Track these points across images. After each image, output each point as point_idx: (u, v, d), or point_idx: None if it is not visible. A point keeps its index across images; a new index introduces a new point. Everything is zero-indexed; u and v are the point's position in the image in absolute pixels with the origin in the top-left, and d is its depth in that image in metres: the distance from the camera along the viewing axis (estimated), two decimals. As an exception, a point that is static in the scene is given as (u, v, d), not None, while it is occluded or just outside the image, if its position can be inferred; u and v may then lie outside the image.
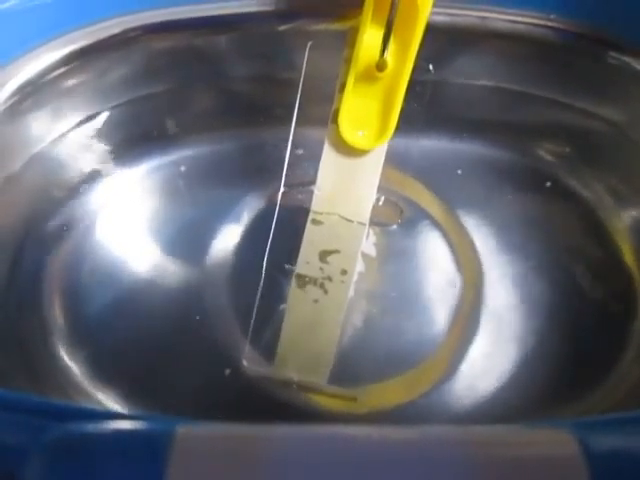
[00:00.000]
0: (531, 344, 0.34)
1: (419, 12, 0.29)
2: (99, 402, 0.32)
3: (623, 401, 0.31)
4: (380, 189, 0.34)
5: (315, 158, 0.34)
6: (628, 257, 0.36)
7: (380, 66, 0.30)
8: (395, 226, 0.37)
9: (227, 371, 0.33)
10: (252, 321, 0.33)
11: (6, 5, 0.30)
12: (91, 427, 0.15)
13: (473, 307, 0.35)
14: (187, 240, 0.37)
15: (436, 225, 0.37)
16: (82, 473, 0.14)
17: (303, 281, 0.33)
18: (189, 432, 0.15)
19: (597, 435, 0.15)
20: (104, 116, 0.36)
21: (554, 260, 0.36)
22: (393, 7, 0.28)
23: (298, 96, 0.33)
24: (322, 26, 0.34)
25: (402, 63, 0.30)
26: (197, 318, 0.34)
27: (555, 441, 0.15)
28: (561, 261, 0.36)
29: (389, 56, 0.30)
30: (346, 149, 0.33)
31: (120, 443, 0.15)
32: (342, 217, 0.34)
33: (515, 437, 0.15)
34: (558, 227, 0.38)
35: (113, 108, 0.36)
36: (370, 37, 0.30)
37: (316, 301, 0.33)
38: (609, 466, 0.14)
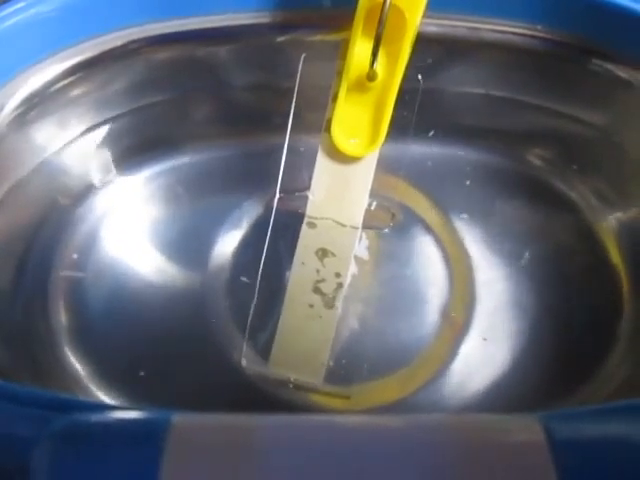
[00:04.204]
0: (520, 344, 0.34)
1: (407, 25, 0.30)
2: (103, 401, 0.33)
3: (609, 399, 0.32)
4: (372, 194, 0.34)
5: (310, 165, 0.34)
6: (615, 258, 0.36)
7: (370, 76, 0.31)
8: (387, 230, 0.37)
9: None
10: (249, 322, 0.34)
11: (12, 20, 0.31)
12: (94, 417, 0.16)
13: (464, 308, 0.35)
14: (187, 245, 0.37)
15: (427, 228, 0.38)
16: (84, 458, 0.15)
17: (298, 283, 0.34)
18: (186, 420, 0.16)
19: (562, 424, 0.16)
20: (107, 125, 0.37)
21: (543, 262, 0.37)
22: (382, 20, 0.29)
23: (292, 105, 0.34)
24: (318, 37, 0.35)
25: (392, 73, 0.31)
26: (197, 320, 0.35)
27: (522, 429, 0.16)
28: (550, 262, 0.37)
29: (379, 67, 0.31)
30: (339, 156, 0.33)
31: (120, 430, 0.16)
32: (336, 221, 0.35)
33: (485, 424, 0.16)
34: (547, 229, 0.38)
35: (116, 117, 0.37)
36: (361, 48, 0.31)
37: (310, 302, 0.34)
38: (571, 451, 0.15)
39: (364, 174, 0.34)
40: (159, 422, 0.16)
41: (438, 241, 0.37)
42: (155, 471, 0.15)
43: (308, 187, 0.35)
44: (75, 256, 0.36)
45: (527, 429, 0.16)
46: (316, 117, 0.34)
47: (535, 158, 0.40)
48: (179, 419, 0.16)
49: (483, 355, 0.34)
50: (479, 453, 0.15)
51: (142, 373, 0.33)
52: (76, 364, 0.33)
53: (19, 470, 0.17)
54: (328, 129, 0.33)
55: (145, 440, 0.16)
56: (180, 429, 0.16)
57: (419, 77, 0.34)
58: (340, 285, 0.34)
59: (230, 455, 0.16)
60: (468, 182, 0.39)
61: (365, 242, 0.36)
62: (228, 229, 0.38)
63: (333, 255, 0.34)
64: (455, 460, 0.15)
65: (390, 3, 0.28)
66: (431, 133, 0.39)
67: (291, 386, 0.33)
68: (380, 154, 0.34)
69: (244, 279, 0.35)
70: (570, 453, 0.16)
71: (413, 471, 0.16)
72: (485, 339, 0.34)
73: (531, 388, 0.33)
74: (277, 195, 0.35)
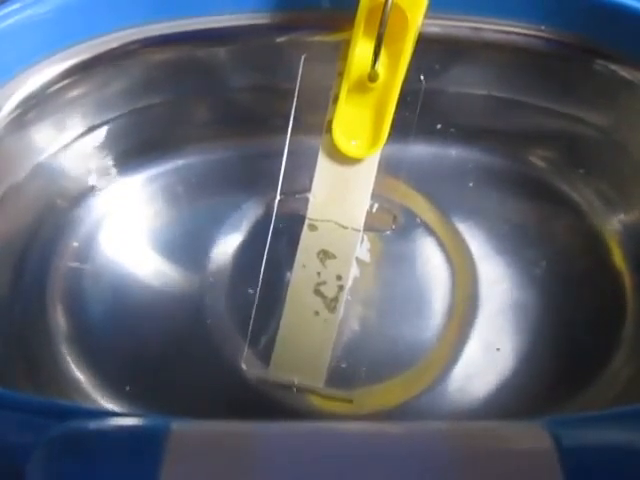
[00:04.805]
0: (523, 347, 0.34)
1: (409, 25, 0.29)
2: (101, 406, 0.32)
3: (613, 402, 0.32)
4: (374, 196, 0.34)
5: (311, 166, 0.34)
6: (618, 260, 0.36)
7: (372, 77, 0.31)
8: (389, 232, 0.37)
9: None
10: (250, 325, 0.34)
11: (9, 22, 0.30)
12: (91, 424, 0.16)
13: (467, 310, 0.35)
14: (187, 247, 0.37)
15: (429, 230, 0.38)
16: (81, 467, 0.15)
17: (299, 286, 0.34)
18: (184, 427, 0.16)
19: (569, 430, 0.16)
20: (105, 127, 0.37)
21: (546, 264, 0.37)
22: (383, 20, 0.29)
23: (293, 107, 0.34)
24: (317, 38, 0.35)
25: (393, 74, 0.31)
26: (197, 323, 0.35)
27: (530, 436, 0.16)
28: (553, 265, 0.37)
29: (380, 67, 0.30)
30: (340, 158, 0.33)
31: (118, 438, 0.16)
32: (337, 223, 0.34)
33: (493, 432, 0.16)
34: (550, 231, 0.38)
35: (114, 119, 0.37)
36: (362, 49, 0.30)
37: (312, 305, 0.33)
38: (579, 458, 0.15)
39: (365, 176, 0.33)
40: (158, 429, 0.16)
41: (440, 243, 0.37)
42: (154, 479, 0.15)
43: (309, 189, 0.35)
44: (73, 258, 0.36)
45: (534, 436, 0.16)
46: (317, 118, 0.34)
47: (538, 159, 0.40)
48: (178, 426, 0.16)
49: (486, 358, 0.34)
50: (486, 460, 0.15)
51: (141, 377, 0.33)
52: (74, 368, 0.33)
53: (16, 477, 0.17)
54: (329, 130, 0.33)
55: (144, 448, 0.15)
56: (179, 436, 0.16)
57: (421, 78, 0.33)
58: (341, 288, 0.34)
59: (230, 463, 0.16)
60: (471, 184, 0.39)
61: (366, 244, 0.36)
62: (228, 231, 0.38)
63: (334, 257, 0.34)
64: (462, 468, 0.15)
65: (392, 3, 0.28)
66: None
67: (294, 390, 0.33)
68: (381, 155, 0.33)
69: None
70: (578, 459, 0.15)
71: (417, 479, 0.15)
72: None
73: (535, 390, 0.33)
74: (277, 197, 0.35)
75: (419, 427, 0.17)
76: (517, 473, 0.15)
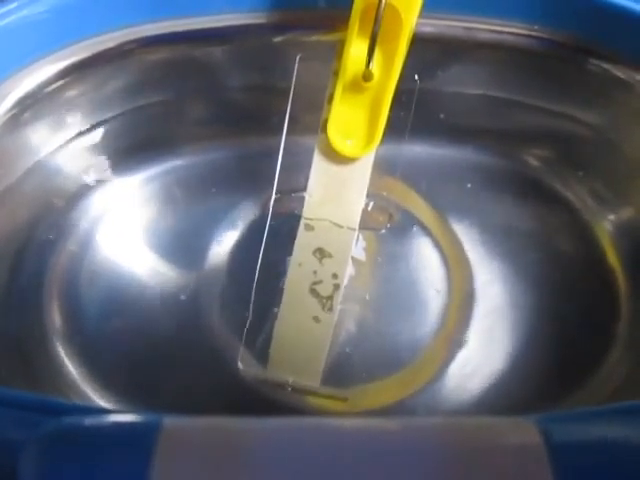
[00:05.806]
0: (518, 346, 0.34)
1: (403, 25, 0.29)
2: (96, 403, 0.32)
3: (608, 400, 0.32)
4: (369, 195, 0.34)
5: (307, 166, 0.34)
6: (612, 259, 0.36)
7: (366, 77, 0.31)
8: (384, 231, 0.37)
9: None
10: (247, 324, 0.34)
11: (5, 21, 0.30)
12: (83, 420, 0.16)
13: (462, 309, 0.35)
14: (184, 246, 0.37)
15: (425, 229, 0.38)
16: (73, 462, 0.15)
17: (295, 285, 0.34)
18: (176, 423, 0.16)
19: (559, 426, 0.16)
20: (102, 126, 0.37)
21: (541, 263, 0.37)
22: (377, 20, 0.29)
23: (288, 106, 0.34)
24: (314, 38, 0.35)
25: (388, 74, 0.31)
26: (193, 322, 0.35)
27: (520, 431, 0.16)
28: (547, 264, 0.37)
29: (375, 67, 0.30)
30: (335, 157, 0.33)
31: (110, 433, 0.16)
32: (332, 222, 0.34)
33: (483, 427, 0.16)
34: (545, 231, 0.38)
35: (111, 119, 0.37)
36: (356, 49, 0.31)
37: (307, 304, 0.33)
38: (569, 453, 0.15)
39: (361, 175, 0.33)
40: (149, 425, 0.16)
41: (435, 242, 0.37)
42: (145, 474, 0.15)
43: (305, 188, 0.35)
44: (70, 258, 0.36)
45: (524, 431, 0.16)
46: (312, 118, 0.34)
47: (532, 159, 0.40)
48: (169, 422, 0.16)
49: (481, 357, 0.34)
50: (475, 456, 0.15)
51: (137, 376, 0.33)
52: (70, 366, 0.33)
53: (7, 473, 0.17)
54: (324, 130, 0.33)
55: (135, 443, 0.15)
56: (170, 432, 0.16)
57: (416, 77, 0.33)
58: (337, 286, 0.34)
59: (221, 457, 0.16)
60: (466, 183, 0.39)
61: (362, 243, 0.36)
62: (225, 230, 0.38)
63: (330, 256, 0.34)
64: (451, 462, 0.15)
65: (386, 3, 0.28)
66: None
67: (289, 389, 0.33)
68: (377, 155, 0.33)
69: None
70: (567, 456, 0.15)
71: (408, 474, 0.15)
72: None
73: (529, 390, 0.33)
74: (273, 196, 0.35)
75: (412, 422, 0.17)
76: (506, 468, 0.15)
